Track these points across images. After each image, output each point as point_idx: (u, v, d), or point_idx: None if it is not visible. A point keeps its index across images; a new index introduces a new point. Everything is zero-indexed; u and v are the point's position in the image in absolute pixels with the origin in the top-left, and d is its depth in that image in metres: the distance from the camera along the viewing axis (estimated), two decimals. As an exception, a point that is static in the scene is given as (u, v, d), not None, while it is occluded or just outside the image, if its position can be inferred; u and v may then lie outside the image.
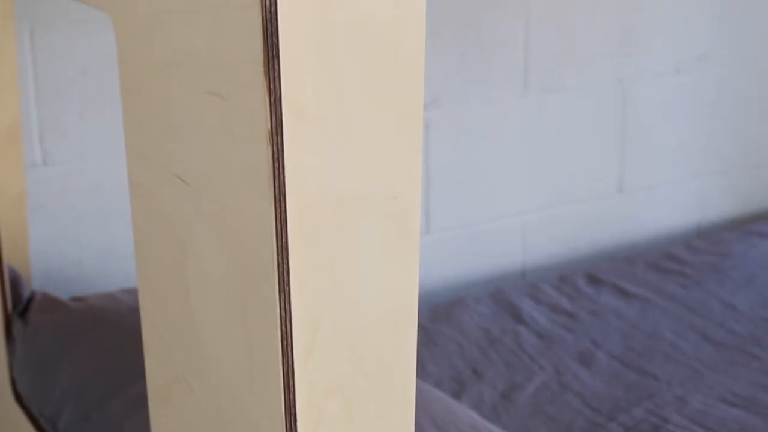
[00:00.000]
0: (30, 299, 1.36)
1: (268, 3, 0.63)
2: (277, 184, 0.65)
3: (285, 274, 0.66)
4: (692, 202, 2.00)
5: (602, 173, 1.89)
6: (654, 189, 1.95)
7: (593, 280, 1.74)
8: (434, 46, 1.65)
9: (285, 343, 0.67)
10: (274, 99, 0.64)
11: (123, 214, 1.47)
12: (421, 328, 1.52)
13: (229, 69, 0.67)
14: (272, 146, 0.65)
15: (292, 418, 0.68)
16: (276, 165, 0.65)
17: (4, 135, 1.38)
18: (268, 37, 0.63)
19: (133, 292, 1.37)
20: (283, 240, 0.66)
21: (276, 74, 0.64)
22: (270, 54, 0.63)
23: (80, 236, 1.52)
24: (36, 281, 1.49)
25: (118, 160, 1.48)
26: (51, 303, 1.34)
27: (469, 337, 1.57)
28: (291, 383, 0.67)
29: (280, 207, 0.65)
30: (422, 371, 1.47)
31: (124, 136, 0.83)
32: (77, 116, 1.48)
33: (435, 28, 1.64)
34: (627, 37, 1.84)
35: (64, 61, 1.46)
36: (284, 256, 0.66)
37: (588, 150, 1.86)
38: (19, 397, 1.31)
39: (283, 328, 0.67)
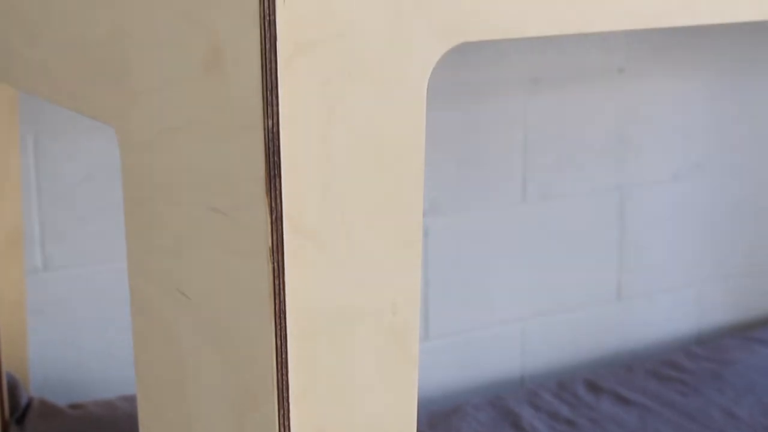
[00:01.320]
0: (27, 406, 1.35)
1: (270, 123, 0.64)
2: (277, 301, 0.66)
3: (284, 391, 0.66)
4: (691, 308, 2.00)
5: (601, 280, 1.90)
6: (653, 295, 1.95)
7: (593, 387, 1.74)
8: (433, 153, 1.67)
9: (284, 460, 0.67)
10: (275, 217, 0.65)
11: (123, 320, 1.47)
12: (420, 436, 1.51)
13: (231, 186, 0.68)
14: (273, 263, 0.65)
15: None
16: (276, 282, 0.66)
17: (6, 240, 1.39)
18: (270, 156, 0.64)
19: (131, 400, 1.36)
20: (283, 356, 0.66)
21: (277, 192, 0.65)
22: (271, 173, 0.64)
23: (80, 342, 1.52)
24: (35, 386, 1.48)
25: (118, 266, 1.49)
26: (48, 410, 1.34)
27: (468, 445, 1.56)
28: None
29: (280, 323, 0.66)
30: (421, 480, 1.46)
31: (126, 247, 0.84)
32: (79, 221, 1.49)
33: (434, 135, 1.66)
34: (624, 145, 1.86)
35: (67, 167, 1.48)
36: (284, 372, 0.66)
37: (586, 257, 1.87)
38: (14, 505, 1.30)
39: (282, 444, 0.67)
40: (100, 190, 1.49)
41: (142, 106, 0.78)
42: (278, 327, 0.66)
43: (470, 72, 1.69)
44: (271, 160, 0.64)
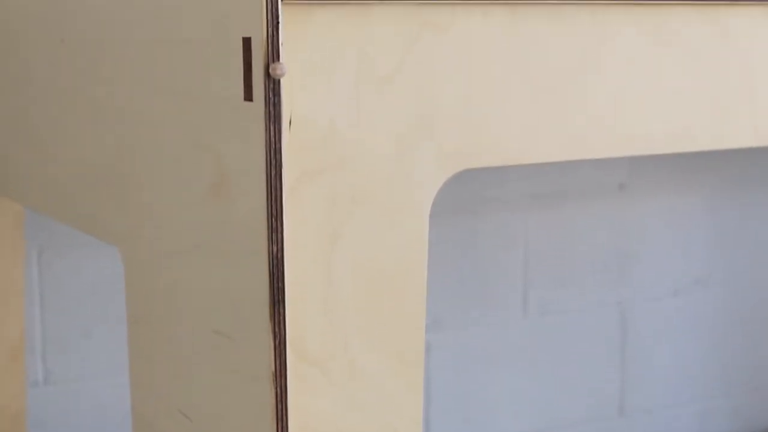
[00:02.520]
0: None
1: (274, 249, 0.65)
2: (279, 425, 0.66)
3: None
4: (694, 424, 1.98)
5: (602, 395, 1.89)
6: (655, 411, 1.94)
7: (595, 505, 1.72)
8: (435, 268, 1.67)
9: None
10: (279, 341, 0.65)
11: (122, 435, 1.47)
12: None
13: (235, 310, 0.69)
14: (276, 387, 0.66)
15: None
16: (279, 406, 0.66)
17: (8, 353, 1.39)
18: (274, 281, 0.65)
19: None
20: (285, 482, 0.66)
21: (281, 318, 0.65)
22: (275, 298, 0.65)
23: (78, 456, 1.51)
24: (31, 502, 1.47)
25: (121, 380, 1.48)
26: None
27: None
28: None
29: (283, 448, 0.66)
30: None
31: (129, 366, 0.84)
32: (81, 335, 1.49)
33: (435, 250, 1.67)
34: (625, 260, 1.86)
35: (71, 281, 1.48)
36: (285, 499, 0.66)
37: (588, 372, 1.86)
38: None
39: None
40: (103, 304, 1.50)
41: (147, 227, 0.79)
42: (280, 452, 0.66)
43: (471, 187, 1.71)
44: (275, 285, 0.65)
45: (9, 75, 1.02)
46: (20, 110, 1.00)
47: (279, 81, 0.64)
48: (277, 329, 0.65)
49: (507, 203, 1.75)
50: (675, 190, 1.89)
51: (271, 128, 0.64)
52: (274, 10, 0.63)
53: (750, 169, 1.97)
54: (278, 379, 0.66)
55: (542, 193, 1.76)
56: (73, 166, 0.91)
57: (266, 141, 0.64)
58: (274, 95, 0.64)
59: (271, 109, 0.64)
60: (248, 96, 0.65)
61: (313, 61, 0.67)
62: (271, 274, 0.65)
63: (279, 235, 0.65)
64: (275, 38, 0.64)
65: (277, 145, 0.64)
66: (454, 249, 1.72)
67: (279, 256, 0.65)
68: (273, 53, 0.64)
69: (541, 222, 1.78)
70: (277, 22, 0.64)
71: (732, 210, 1.96)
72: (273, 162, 0.65)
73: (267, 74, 0.64)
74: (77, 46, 0.87)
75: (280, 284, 0.65)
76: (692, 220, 1.92)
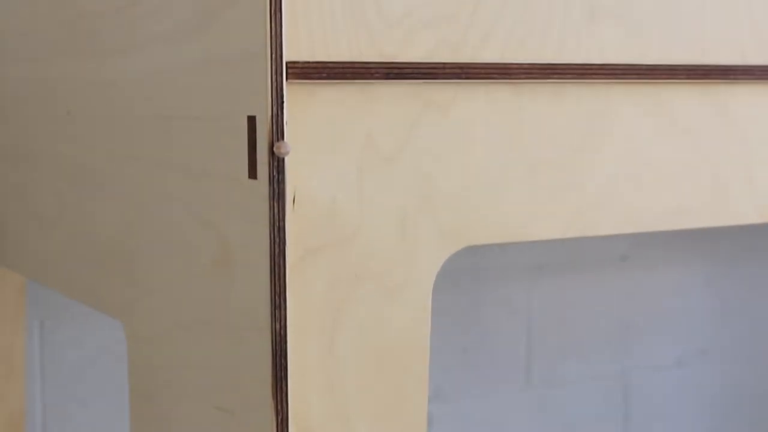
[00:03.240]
0: None
1: (277, 326, 0.65)
2: (281, 503, 0.66)
3: None
4: (697, 497, 1.97)
5: (606, 467, 1.88)
6: (658, 484, 1.93)
7: None
8: (437, 338, 1.67)
9: None
10: (281, 418, 0.65)
11: (122, 507, 1.46)
12: None
13: (237, 386, 0.69)
14: (278, 465, 0.66)
15: None
16: (281, 484, 0.66)
17: (8, 424, 1.39)
18: (277, 358, 0.65)
19: None
20: None
21: (284, 395, 0.65)
22: (278, 375, 0.65)
23: None
24: None
25: (120, 451, 1.48)
26: None
27: None
28: None
29: None
30: None
31: (130, 441, 0.84)
32: (82, 406, 1.49)
33: (438, 320, 1.67)
34: (628, 331, 1.86)
35: (72, 352, 1.48)
36: None
37: (591, 443, 1.85)
38: None
39: None
40: (104, 376, 1.49)
41: (150, 302, 0.79)
42: None
43: (474, 258, 1.71)
44: (278, 362, 0.65)
45: (13, 144, 1.03)
46: (24, 180, 1.01)
47: (283, 159, 0.65)
48: (279, 406, 0.65)
49: (509, 274, 1.75)
50: (677, 262, 1.90)
51: (275, 206, 0.65)
52: (278, 89, 0.64)
53: (752, 240, 1.98)
54: (280, 456, 0.66)
55: (544, 264, 1.77)
56: (76, 239, 0.91)
57: (270, 219, 0.65)
58: (278, 173, 0.65)
59: (275, 187, 0.65)
60: (252, 174, 0.66)
61: (316, 140, 0.67)
62: (274, 351, 0.65)
63: (282, 312, 0.65)
64: (280, 117, 0.64)
65: (281, 223, 0.65)
66: (456, 319, 1.72)
67: (282, 332, 0.65)
68: (277, 132, 0.64)
69: (544, 293, 1.78)
70: (282, 101, 0.64)
71: (734, 281, 1.97)
72: (276, 239, 0.65)
73: (271, 153, 0.64)
74: (83, 119, 0.88)
75: (283, 361, 0.65)
76: (694, 292, 1.92)
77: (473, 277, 1.72)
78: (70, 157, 0.91)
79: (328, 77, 0.67)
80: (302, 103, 0.67)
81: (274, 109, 0.64)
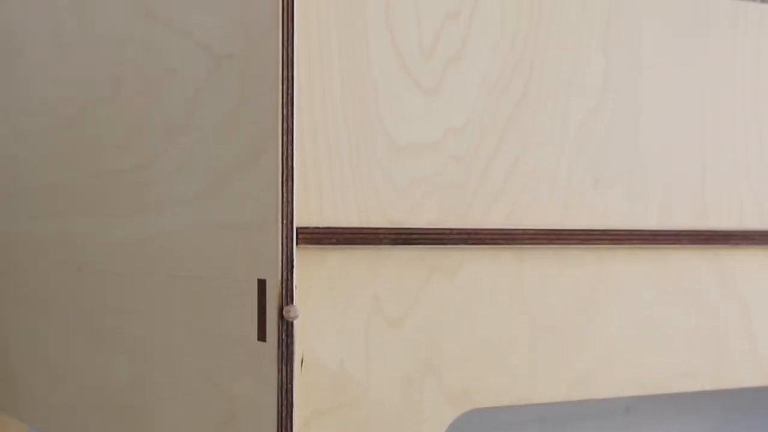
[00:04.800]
0: None
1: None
2: None
3: None
4: None
5: None
6: None
7: None
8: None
9: None
10: None
11: None
12: None
13: None
14: None
15: None
16: None
17: None
18: None
19: None
20: None
21: None
22: None
23: None
24: None
25: None
26: None
27: None
28: None
29: None
30: None
31: None
32: None
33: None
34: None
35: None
36: None
37: None
38: None
39: None
40: None
41: (156, 459, 0.79)
42: None
43: (479, 411, 1.71)
44: None
45: (25, 294, 1.04)
46: (34, 329, 1.02)
47: (292, 323, 0.66)
48: None
49: (514, 427, 1.74)
50: (680, 415, 1.89)
51: (283, 369, 0.66)
52: (289, 254, 0.66)
53: (755, 396, 1.97)
54: None
55: (549, 417, 1.76)
56: (83, 392, 0.92)
57: (278, 381, 0.66)
58: (287, 336, 0.66)
59: (284, 350, 0.66)
60: (261, 336, 0.67)
61: (325, 303, 0.69)
62: None
63: (288, 475, 0.65)
64: (289, 281, 0.66)
65: (289, 386, 0.66)
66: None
67: None
68: (287, 296, 0.66)
69: (547, 445, 1.77)
70: (292, 266, 0.66)
71: (738, 431, 1.96)
72: (284, 402, 0.66)
73: (281, 316, 0.66)
74: (94, 276, 0.89)
75: None
76: (699, 444, 1.91)
77: (479, 430, 1.72)
78: (80, 311, 0.92)
79: (338, 242, 0.68)
80: (312, 267, 0.68)
81: (284, 273, 0.66)
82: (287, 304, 0.66)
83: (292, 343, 0.66)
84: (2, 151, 1.07)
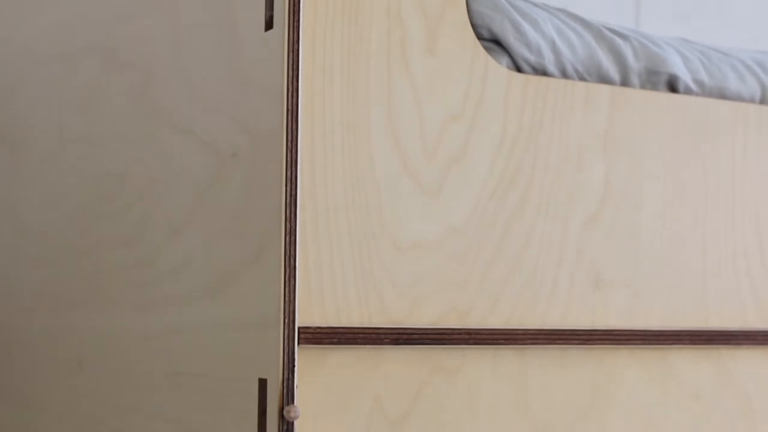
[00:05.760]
0: None
1: None
2: None
3: None
4: None
5: None
6: None
7: None
8: None
9: None
10: None
11: None
12: None
13: None
14: None
15: None
16: None
17: None
18: None
19: None
20: None
21: None
22: None
23: None
24: None
25: None
26: None
27: None
28: None
29: None
30: None
31: None
32: None
33: None
34: None
35: None
36: None
37: None
38: None
39: None
40: None
41: None
42: None
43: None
44: None
45: (22, 393, 1.03)
46: (28, 427, 1.01)
47: (293, 423, 0.65)
48: None
49: None
50: None
51: None
52: (290, 354, 0.66)
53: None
54: None
55: None
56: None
57: None
58: (287, 437, 0.66)
59: (284, 450, 0.65)
60: (262, 436, 0.67)
61: (326, 402, 0.68)
62: None
63: None
64: (291, 381, 0.66)
65: (289, 487, 0.65)
66: None
67: None
68: (288, 396, 0.66)
69: None
70: (293, 366, 0.66)
71: None
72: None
73: (281, 416, 0.65)
74: (93, 370, 0.89)
75: None
76: None
77: None
78: (79, 408, 0.91)
79: (339, 342, 0.68)
80: (313, 366, 0.68)
81: (286, 373, 0.66)
82: (288, 404, 0.66)
83: (292, 443, 0.66)
84: (4, 244, 1.07)
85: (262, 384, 0.67)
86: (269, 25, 0.69)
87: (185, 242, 0.76)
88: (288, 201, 0.66)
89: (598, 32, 0.80)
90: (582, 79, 0.79)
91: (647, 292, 0.80)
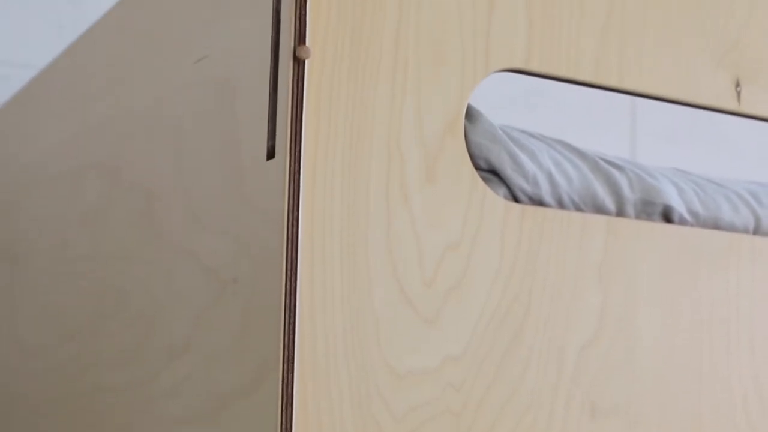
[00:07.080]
0: None
1: None
2: None
3: None
4: None
5: None
6: None
7: None
8: None
9: None
10: None
11: None
12: None
13: None
14: None
15: None
16: None
17: None
18: None
19: None
20: None
21: None
22: None
23: None
24: None
25: None
26: None
27: None
28: None
29: None
30: None
31: None
32: None
33: None
34: None
35: None
36: None
37: None
38: None
39: None
40: None
41: None
42: None
43: None
44: None
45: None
46: None
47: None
48: None
49: None
50: None
51: None
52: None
53: None
54: None
55: None
56: None
57: None
58: None
59: None
60: None
61: None
62: None
63: None
64: None
65: None
66: None
67: None
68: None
69: None
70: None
71: None
72: None
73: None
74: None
75: None
76: None
77: None
78: None
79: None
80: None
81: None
82: None
83: None
84: (4, 359, 1.08)
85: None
86: (271, 154, 0.70)
87: (182, 365, 0.76)
88: (286, 329, 0.67)
89: (594, 163, 0.82)
90: (578, 209, 0.80)
91: (643, 421, 0.80)
